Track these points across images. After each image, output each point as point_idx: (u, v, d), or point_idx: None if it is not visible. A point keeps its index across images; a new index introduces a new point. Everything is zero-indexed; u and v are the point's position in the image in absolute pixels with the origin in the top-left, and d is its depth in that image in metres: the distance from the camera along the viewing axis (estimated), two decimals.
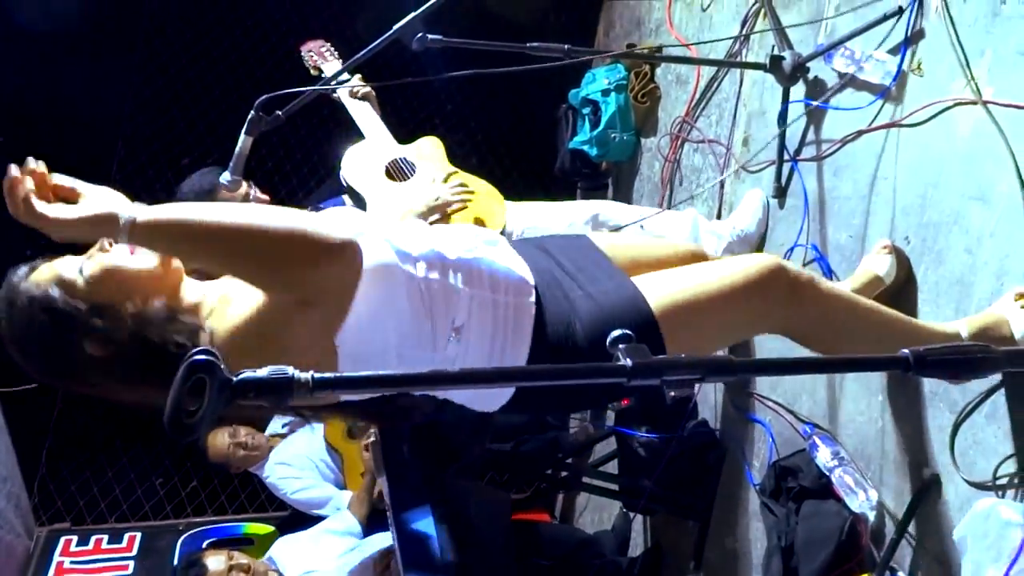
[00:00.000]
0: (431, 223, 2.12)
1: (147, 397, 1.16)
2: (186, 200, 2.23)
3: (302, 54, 2.59)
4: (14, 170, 1.07)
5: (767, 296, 1.42)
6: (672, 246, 1.63)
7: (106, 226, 1.08)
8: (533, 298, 1.38)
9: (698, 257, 1.63)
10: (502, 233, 2.21)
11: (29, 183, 1.07)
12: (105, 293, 1.17)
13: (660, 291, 1.40)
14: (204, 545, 3.34)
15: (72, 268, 1.20)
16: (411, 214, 2.13)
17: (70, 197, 1.10)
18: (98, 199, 1.10)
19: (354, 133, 2.49)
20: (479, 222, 2.21)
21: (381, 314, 1.22)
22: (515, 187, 3.82)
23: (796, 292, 1.44)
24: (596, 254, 1.53)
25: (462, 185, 2.26)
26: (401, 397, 1.34)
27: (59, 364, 1.18)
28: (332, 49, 2.58)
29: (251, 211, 1.13)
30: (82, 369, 1.18)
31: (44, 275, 1.19)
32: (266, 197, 2.32)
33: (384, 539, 2.72)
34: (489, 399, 1.38)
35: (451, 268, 1.34)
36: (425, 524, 2.01)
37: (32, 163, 1.09)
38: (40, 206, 1.06)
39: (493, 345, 1.32)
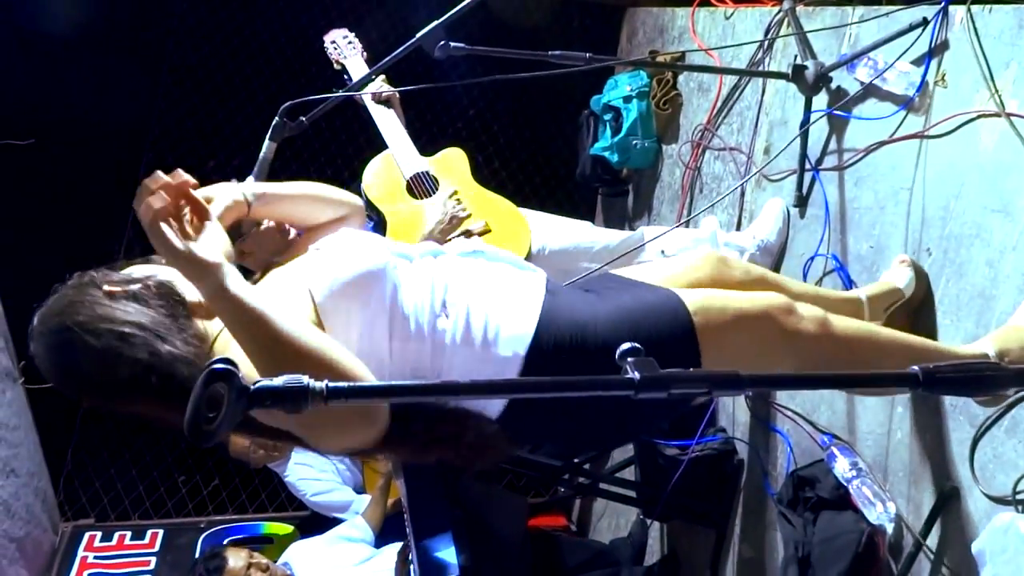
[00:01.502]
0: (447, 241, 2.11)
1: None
2: None
3: (325, 45, 2.52)
4: (156, 181, 1.11)
5: (779, 326, 1.40)
6: (694, 270, 1.58)
7: (203, 274, 1.10)
8: (542, 278, 1.39)
9: (716, 281, 1.58)
10: (528, 255, 2.20)
11: (162, 198, 1.10)
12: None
13: (691, 295, 1.40)
14: (224, 543, 3.38)
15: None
16: (424, 237, 2.08)
17: (196, 214, 1.16)
18: (212, 243, 1.13)
19: (379, 137, 2.46)
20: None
21: (375, 313, 1.25)
22: (537, 192, 3.84)
23: (804, 329, 1.42)
24: (624, 279, 1.51)
25: (454, 195, 2.20)
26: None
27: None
28: (356, 41, 2.52)
29: (327, 343, 1.13)
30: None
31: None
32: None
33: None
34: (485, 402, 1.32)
35: (445, 257, 1.39)
36: (442, 529, 2.03)
37: (182, 175, 1.15)
38: (166, 230, 1.09)
39: (491, 316, 1.30)
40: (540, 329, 1.30)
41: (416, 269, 1.35)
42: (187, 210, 1.15)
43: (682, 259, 1.59)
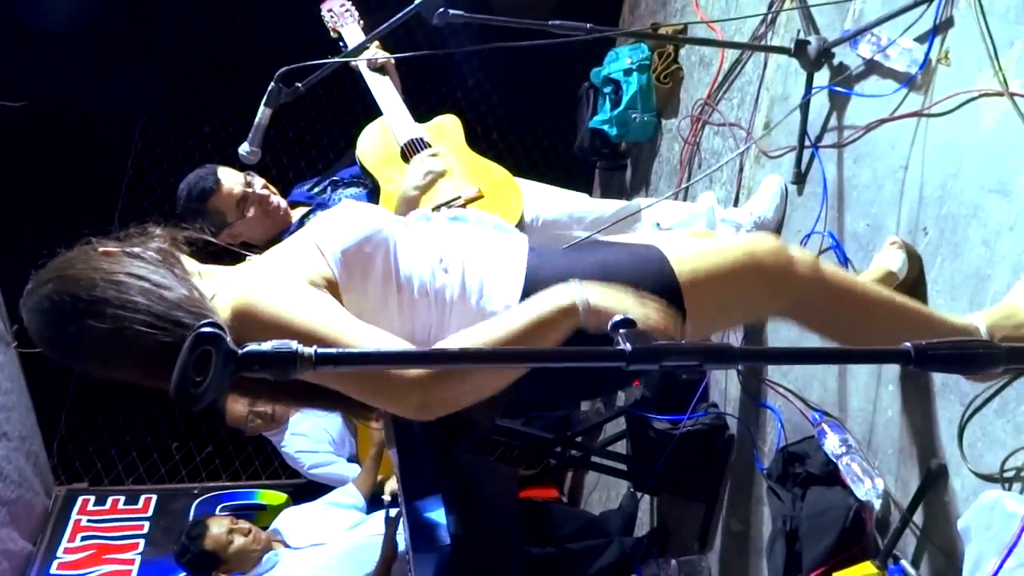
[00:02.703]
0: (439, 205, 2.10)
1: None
2: (184, 200, 2.22)
3: (322, 13, 2.51)
4: None
5: (767, 270, 1.39)
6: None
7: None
8: (525, 241, 1.42)
9: None
10: (520, 223, 2.19)
11: None
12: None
13: (673, 252, 1.39)
14: (217, 510, 3.41)
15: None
16: (403, 196, 2.08)
17: None
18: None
19: (375, 104, 2.44)
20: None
21: (383, 271, 1.29)
22: (535, 165, 3.82)
23: (796, 271, 1.41)
24: (605, 241, 1.55)
25: (432, 154, 2.19)
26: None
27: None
28: (353, 9, 2.51)
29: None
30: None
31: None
32: (265, 192, 2.26)
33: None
34: None
35: (435, 220, 1.44)
36: (433, 499, 2.04)
37: None
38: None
39: (483, 274, 1.34)
40: (527, 284, 1.33)
41: (412, 231, 1.39)
42: None
43: (673, 234, 1.61)
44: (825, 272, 1.47)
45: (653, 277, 1.34)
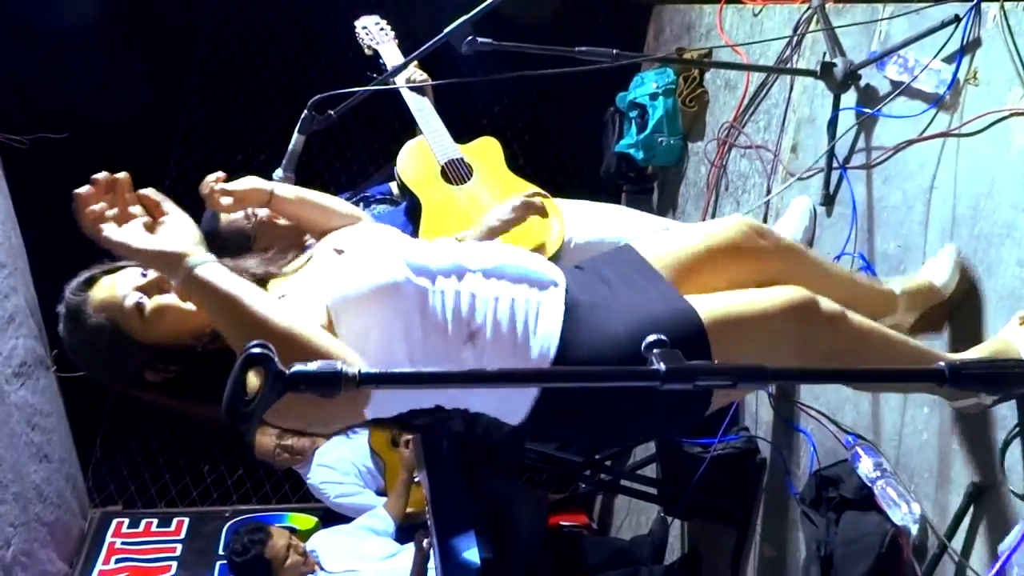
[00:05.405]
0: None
1: (196, 413, 1.27)
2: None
3: (356, 30, 2.51)
4: (84, 188, 1.13)
5: (799, 322, 1.38)
6: (713, 238, 1.53)
7: (168, 265, 1.10)
8: (561, 296, 1.36)
9: (737, 251, 1.53)
10: (562, 244, 2.17)
11: (99, 204, 1.12)
12: (160, 332, 1.24)
13: (705, 305, 1.38)
14: None
15: (131, 293, 1.25)
16: (488, 226, 1.94)
17: (153, 211, 1.16)
18: (173, 234, 1.12)
19: (406, 132, 2.46)
20: (537, 240, 2.10)
21: (392, 333, 1.24)
22: (561, 189, 3.83)
23: (825, 322, 1.41)
24: (641, 264, 1.50)
25: (537, 194, 2.08)
26: (435, 412, 1.30)
27: (119, 381, 1.29)
28: (387, 27, 2.50)
29: (298, 321, 1.13)
30: (140, 387, 1.28)
31: (104, 296, 1.27)
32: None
33: None
34: (512, 408, 1.30)
35: (469, 275, 1.35)
36: (463, 522, 2.04)
37: (104, 175, 1.14)
38: (107, 230, 1.10)
39: (515, 344, 1.28)
40: (559, 357, 1.29)
41: (438, 288, 1.31)
42: (138, 207, 1.16)
43: (702, 228, 1.55)
44: (848, 325, 1.45)
45: (684, 336, 1.32)
